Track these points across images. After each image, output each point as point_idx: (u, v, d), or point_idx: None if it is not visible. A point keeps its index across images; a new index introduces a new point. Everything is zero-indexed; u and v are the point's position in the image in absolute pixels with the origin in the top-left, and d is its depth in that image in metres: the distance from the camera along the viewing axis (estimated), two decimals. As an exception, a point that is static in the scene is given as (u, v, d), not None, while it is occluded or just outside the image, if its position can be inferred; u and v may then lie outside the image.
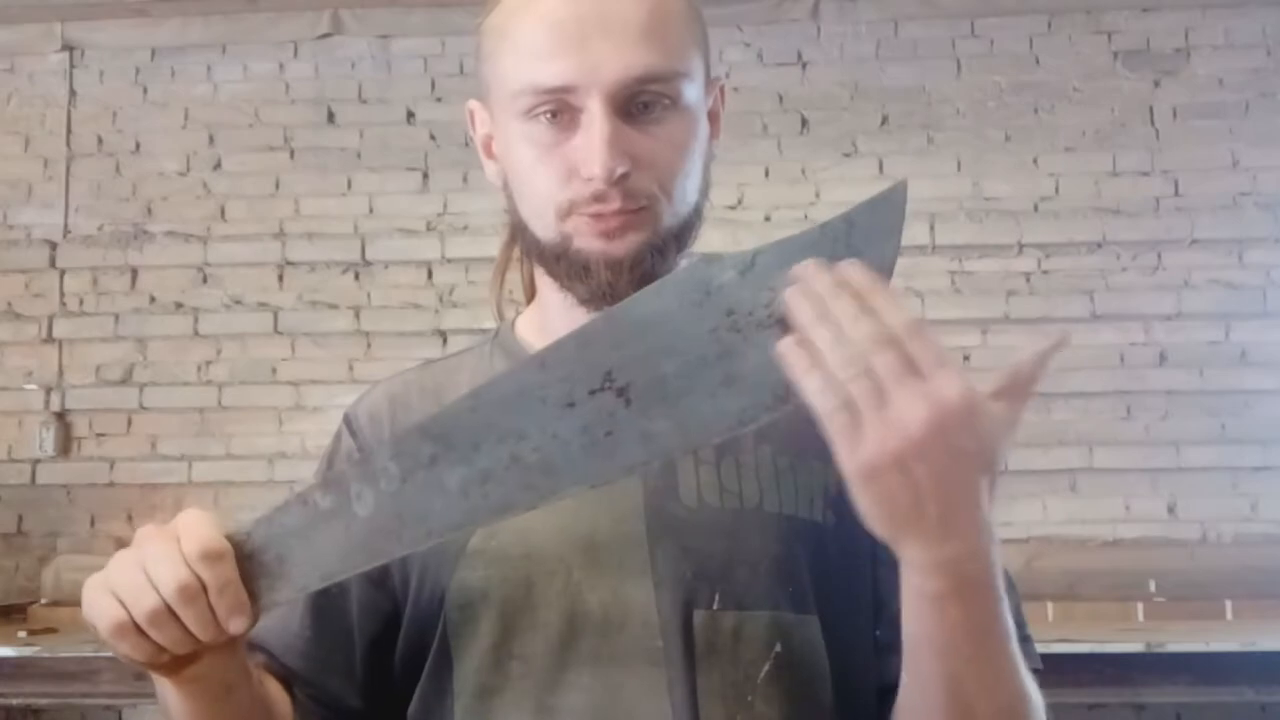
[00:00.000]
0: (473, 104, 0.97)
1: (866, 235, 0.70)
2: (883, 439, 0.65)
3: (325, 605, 0.93)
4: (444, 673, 0.90)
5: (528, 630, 0.87)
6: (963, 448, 0.65)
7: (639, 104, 0.86)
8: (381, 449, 0.73)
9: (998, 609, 0.72)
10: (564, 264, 0.89)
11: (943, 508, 0.67)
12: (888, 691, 0.87)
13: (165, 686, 0.79)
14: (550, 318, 0.95)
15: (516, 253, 1.00)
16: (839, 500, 0.90)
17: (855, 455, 0.66)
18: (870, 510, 0.69)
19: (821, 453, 0.90)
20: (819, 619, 0.88)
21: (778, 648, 0.86)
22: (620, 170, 0.84)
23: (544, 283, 0.95)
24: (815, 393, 0.66)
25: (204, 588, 0.71)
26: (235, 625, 0.72)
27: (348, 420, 1.00)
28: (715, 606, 0.86)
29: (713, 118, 0.94)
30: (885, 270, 0.70)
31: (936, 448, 0.65)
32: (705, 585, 0.86)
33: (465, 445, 0.72)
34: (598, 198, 0.85)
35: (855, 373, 0.65)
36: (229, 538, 0.73)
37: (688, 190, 0.90)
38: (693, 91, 0.89)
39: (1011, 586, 0.85)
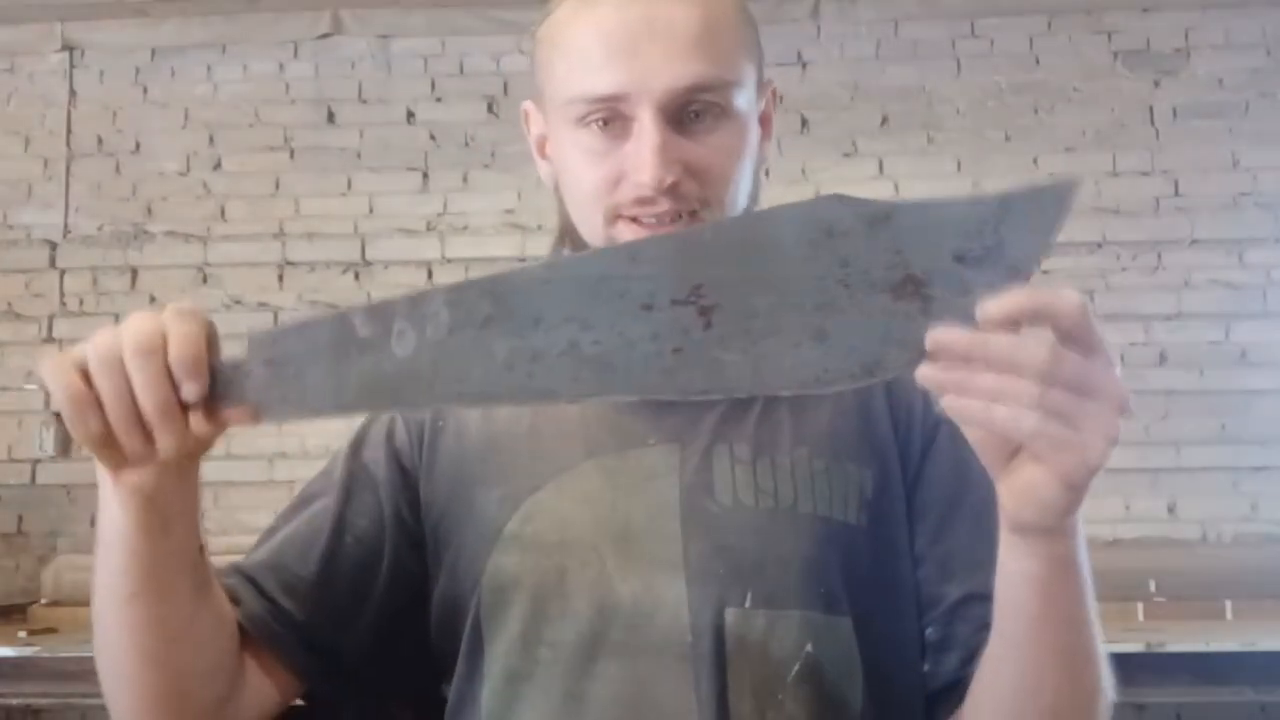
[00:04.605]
0: (527, 105, 0.99)
1: (1018, 225, 0.65)
2: (1092, 451, 0.65)
3: (340, 557, 0.92)
4: (477, 655, 0.90)
5: (558, 618, 0.88)
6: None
7: (690, 113, 0.87)
8: (436, 294, 0.68)
9: (1085, 574, 0.76)
10: None
11: (1081, 501, 0.69)
12: (946, 690, 0.88)
13: (106, 497, 0.76)
14: None
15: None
16: (875, 503, 0.91)
17: (1066, 468, 0.66)
18: (1026, 516, 0.69)
19: (858, 456, 0.93)
20: (852, 620, 0.88)
21: (809, 648, 0.87)
22: (670, 179, 0.85)
23: None
24: (1008, 421, 0.64)
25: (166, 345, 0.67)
26: (189, 390, 0.68)
27: None
28: (747, 605, 0.87)
29: (764, 121, 0.95)
30: (1030, 267, 0.65)
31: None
32: (737, 583, 0.87)
33: (525, 316, 0.67)
34: (643, 202, 0.86)
35: (1047, 396, 0.64)
36: (251, 336, 0.70)
37: (738, 197, 0.90)
38: (744, 99, 0.90)
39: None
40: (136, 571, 0.77)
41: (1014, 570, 0.74)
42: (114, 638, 0.81)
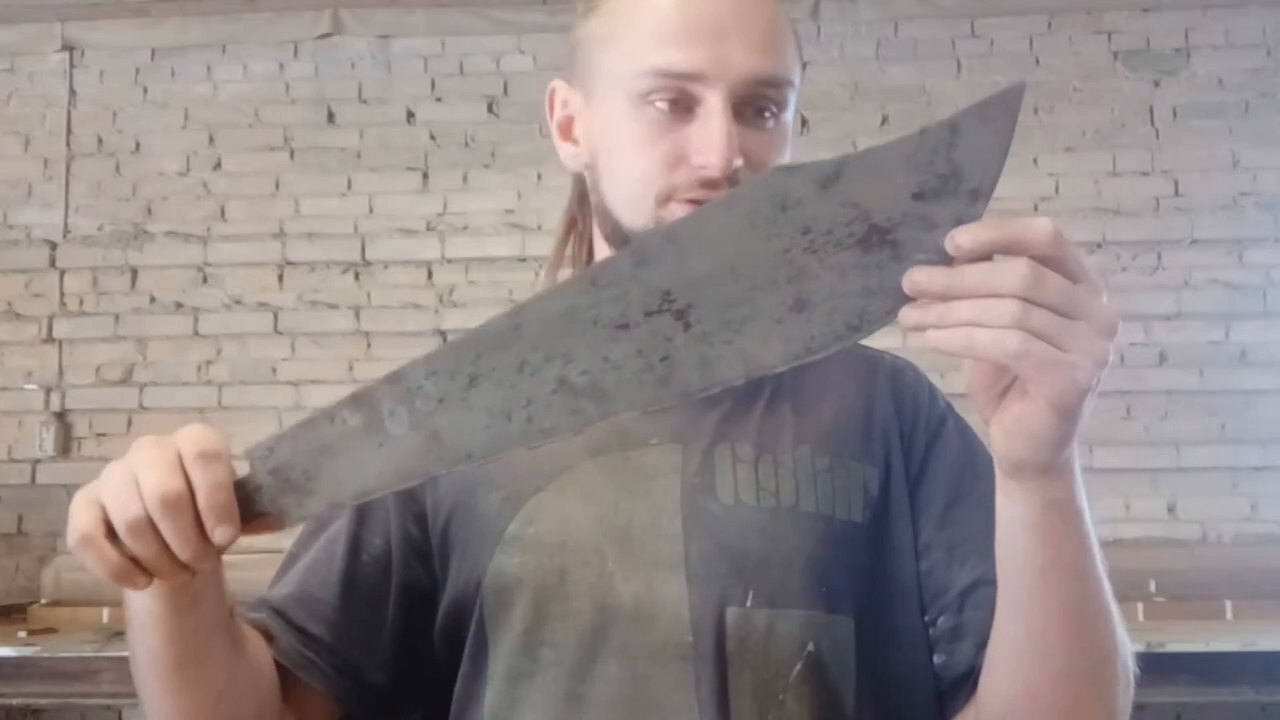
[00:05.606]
0: (556, 83, 0.97)
1: (970, 146, 0.63)
2: (1080, 371, 0.64)
3: (358, 577, 0.93)
4: (481, 655, 0.90)
5: (559, 618, 0.87)
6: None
7: (752, 108, 0.88)
8: (414, 369, 0.68)
9: (1087, 523, 0.75)
10: None
11: (1074, 433, 0.68)
12: (962, 679, 0.87)
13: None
14: None
15: (569, 250, 1.01)
16: (879, 500, 0.91)
17: (1055, 390, 0.65)
18: (1018, 452, 0.68)
19: (862, 453, 0.92)
20: (854, 619, 0.88)
21: (810, 647, 0.86)
22: (737, 163, 0.86)
23: None
24: (991, 344, 0.63)
25: (193, 495, 0.67)
26: (221, 535, 0.68)
27: None
28: (749, 604, 0.86)
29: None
30: (989, 187, 0.64)
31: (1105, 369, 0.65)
32: (739, 583, 0.87)
33: (507, 366, 0.67)
34: (706, 184, 0.86)
35: (1029, 317, 0.63)
36: (250, 452, 0.70)
37: None
38: (793, 104, 0.93)
39: None
40: (174, 647, 0.78)
41: (1012, 518, 0.73)
42: (161, 705, 0.82)
